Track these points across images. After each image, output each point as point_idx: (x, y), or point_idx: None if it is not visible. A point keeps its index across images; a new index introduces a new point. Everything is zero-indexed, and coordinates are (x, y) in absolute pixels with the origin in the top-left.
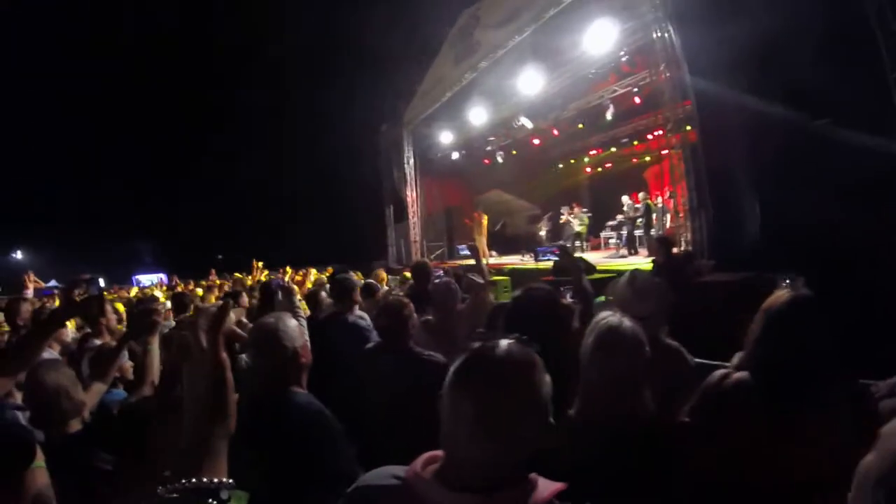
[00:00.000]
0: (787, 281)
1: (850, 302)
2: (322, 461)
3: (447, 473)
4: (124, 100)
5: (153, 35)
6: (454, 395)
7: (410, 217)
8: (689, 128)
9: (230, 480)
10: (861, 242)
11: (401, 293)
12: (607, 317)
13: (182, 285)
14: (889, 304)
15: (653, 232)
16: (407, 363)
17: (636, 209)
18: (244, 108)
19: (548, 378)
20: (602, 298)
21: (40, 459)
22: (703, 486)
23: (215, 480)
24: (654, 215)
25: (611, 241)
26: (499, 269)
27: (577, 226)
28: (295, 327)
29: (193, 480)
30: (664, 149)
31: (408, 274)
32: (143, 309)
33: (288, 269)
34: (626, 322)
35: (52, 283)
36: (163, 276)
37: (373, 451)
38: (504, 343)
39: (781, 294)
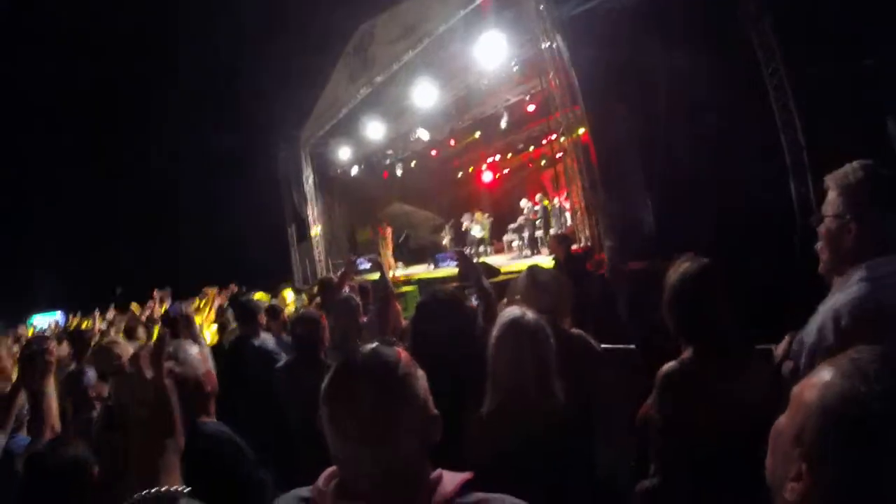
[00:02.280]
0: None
1: (746, 278)
2: (235, 492)
3: (346, 485)
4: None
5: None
6: (329, 408)
7: (313, 236)
8: (580, 130)
9: (186, 489)
10: (748, 228)
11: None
12: (510, 310)
13: (76, 322)
14: (778, 276)
15: (553, 231)
16: (319, 376)
17: (535, 211)
18: (140, 139)
19: (420, 372)
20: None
21: None
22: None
23: (174, 489)
24: (551, 216)
25: (514, 243)
26: (407, 280)
27: (479, 231)
28: (195, 355)
29: (153, 490)
30: (558, 152)
31: (314, 290)
32: (34, 350)
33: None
34: (529, 314)
35: None
36: (59, 316)
37: (298, 469)
38: (367, 348)
39: (682, 263)
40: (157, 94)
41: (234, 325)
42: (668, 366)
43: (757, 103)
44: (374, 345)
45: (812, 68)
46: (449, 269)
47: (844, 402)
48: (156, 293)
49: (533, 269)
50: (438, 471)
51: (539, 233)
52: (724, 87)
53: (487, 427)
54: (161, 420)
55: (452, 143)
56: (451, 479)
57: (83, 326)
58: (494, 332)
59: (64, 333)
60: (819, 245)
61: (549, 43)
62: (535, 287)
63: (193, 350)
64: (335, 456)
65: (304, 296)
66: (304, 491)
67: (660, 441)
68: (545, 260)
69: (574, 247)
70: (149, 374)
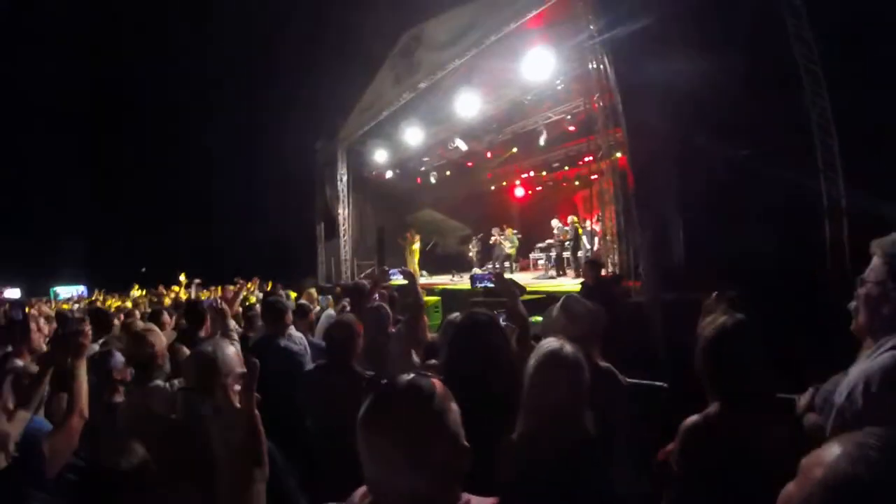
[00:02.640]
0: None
1: (771, 321)
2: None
3: None
4: (49, 95)
5: (89, 32)
6: (365, 434)
7: (341, 235)
8: (618, 154)
9: None
10: (779, 266)
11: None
12: (549, 342)
13: (102, 299)
14: (802, 321)
15: (580, 254)
16: (355, 383)
17: (565, 232)
18: (178, 115)
19: (454, 404)
20: (536, 319)
21: None
22: None
23: None
24: (582, 238)
25: (539, 262)
26: (430, 290)
27: (508, 247)
28: (233, 354)
29: None
30: (594, 174)
31: (338, 291)
32: (70, 331)
33: (219, 288)
34: (567, 347)
35: None
36: (83, 289)
37: (321, 476)
38: (405, 378)
39: (715, 320)
40: (200, 81)
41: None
42: (693, 420)
43: (798, 135)
44: (412, 376)
45: (857, 96)
46: (476, 288)
47: (846, 484)
48: (182, 279)
49: (568, 299)
50: (466, 496)
51: (567, 254)
52: (767, 115)
53: (517, 451)
54: (251, 450)
55: (489, 155)
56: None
57: (108, 303)
58: (533, 360)
59: (87, 310)
60: (854, 305)
61: (596, 64)
62: (567, 316)
63: (230, 350)
64: (368, 478)
65: (329, 297)
66: None
67: (677, 490)
68: (571, 282)
69: (603, 272)
70: (239, 403)
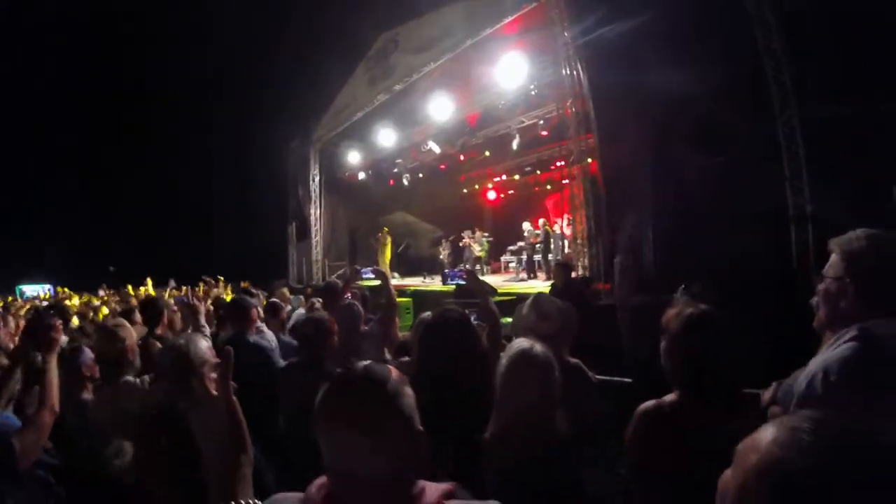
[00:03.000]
0: (682, 288)
1: (739, 320)
2: None
3: (336, 495)
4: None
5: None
6: (322, 421)
7: (313, 236)
8: (589, 160)
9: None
10: (748, 268)
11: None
12: (520, 342)
13: (65, 295)
14: (770, 320)
15: (551, 257)
16: (322, 379)
17: (536, 235)
18: (152, 114)
19: (408, 389)
20: (507, 320)
21: None
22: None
23: (250, 502)
24: (552, 241)
25: (511, 265)
26: (401, 291)
27: (478, 250)
28: (206, 349)
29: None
30: (565, 178)
31: (309, 291)
32: (40, 325)
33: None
34: (538, 346)
35: None
36: (49, 288)
37: (294, 473)
38: (360, 366)
39: (681, 308)
40: (174, 79)
41: None
42: (647, 404)
43: (768, 144)
44: (367, 363)
45: (824, 108)
46: (448, 285)
47: (776, 469)
48: (149, 283)
49: (539, 297)
50: (421, 483)
51: (538, 257)
52: (737, 120)
53: (490, 447)
54: (235, 438)
55: (462, 158)
56: (433, 491)
57: (73, 300)
58: (504, 360)
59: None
60: (815, 301)
61: (570, 70)
62: (538, 314)
63: (203, 344)
64: (326, 465)
65: (301, 297)
66: (295, 498)
67: (631, 475)
68: (542, 284)
69: (573, 274)
70: (217, 392)
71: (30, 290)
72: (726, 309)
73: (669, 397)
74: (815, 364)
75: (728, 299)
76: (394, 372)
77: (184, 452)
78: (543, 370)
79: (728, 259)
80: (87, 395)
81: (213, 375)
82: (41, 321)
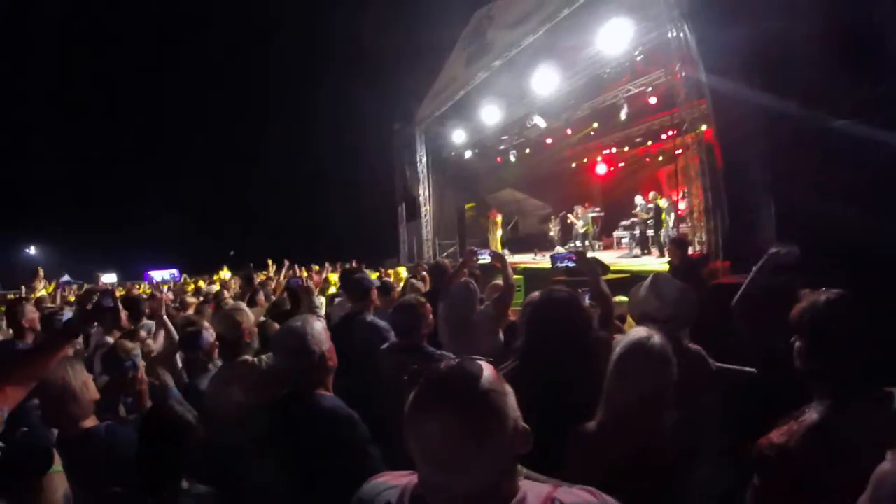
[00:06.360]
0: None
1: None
2: (351, 465)
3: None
4: (135, 91)
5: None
6: (411, 430)
7: (422, 215)
8: (703, 127)
9: None
10: (878, 245)
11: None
12: (637, 331)
13: (191, 283)
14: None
15: (662, 232)
16: (419, 363)
17: (648, 209)
18: (260, 103)
19: (507, 387)
20: (620, 298)
21: (58, 464)
22: None
23: None
24: (663, 215)
25: (623, 240)
26: (512, 269)
27: (581, 226)
28: (321, 330)
29: None
30: (678, 149)
31: (420, 269)
32: (99, 305)
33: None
34: (657, 339)
35: (66, 277)
36: (175, 272)
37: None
38: (450, 364)
39: (818, 296)
40: (278, 63)
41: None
42: (809, 420)
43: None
44: (458, 360)
45: None
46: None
47: None
48: (270, 262)
49: (658, 278)
50: (523, 489)
51: (650, 232)
52: (858, 82)
53: (594, 441)
54: None
55: (569, 132)
56: (536, 495)
57: (199, 284)
58: (618, 349)
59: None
60: None
61: (676, 32)
62: (656, 296)
63: (318, 325)
64: (420, 473)
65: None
66: (391, 494)
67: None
68: (656, 261)
69: (689, 251)
70: None
71: (157, 275)
72: (862, 300)
73: (824, 407)
74: None
75: (861, 288)
76: (487, 368)
77: None
78: (660, 365)
79: (859, 236)
80: (207, 374)
81: None
82: (101, 301)
